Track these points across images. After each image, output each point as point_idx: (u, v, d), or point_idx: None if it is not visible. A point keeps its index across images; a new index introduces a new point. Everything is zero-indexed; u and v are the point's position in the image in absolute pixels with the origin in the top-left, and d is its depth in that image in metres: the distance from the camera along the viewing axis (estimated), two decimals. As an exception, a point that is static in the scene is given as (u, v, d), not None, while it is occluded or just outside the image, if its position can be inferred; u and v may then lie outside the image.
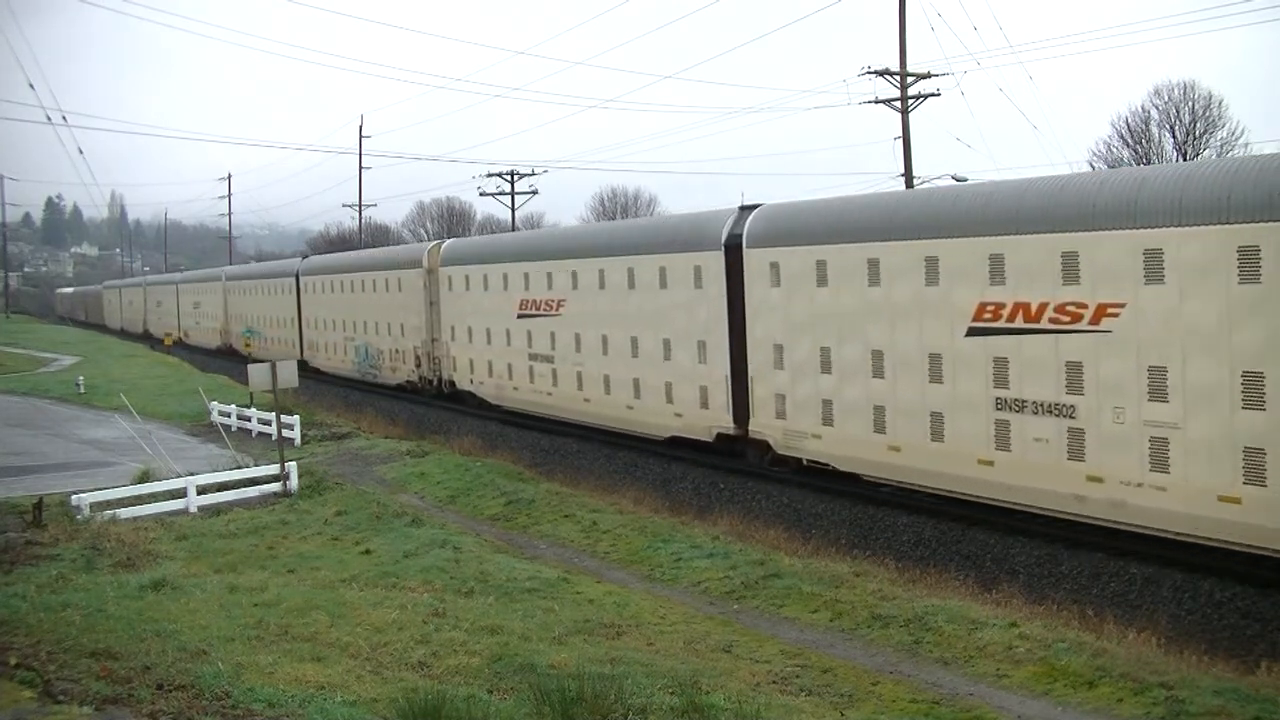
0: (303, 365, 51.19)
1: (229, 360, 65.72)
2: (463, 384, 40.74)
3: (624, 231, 35.08)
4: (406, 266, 45.28)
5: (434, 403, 42.83)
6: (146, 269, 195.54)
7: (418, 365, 44.24)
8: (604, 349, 31.55)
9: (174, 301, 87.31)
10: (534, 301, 35.23)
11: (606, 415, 31.63)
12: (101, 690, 10.99)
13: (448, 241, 44.67)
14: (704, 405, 27.60)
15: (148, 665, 12.05)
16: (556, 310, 33.80)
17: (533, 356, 35.28)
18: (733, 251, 26.37)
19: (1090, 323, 18.37)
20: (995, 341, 20.03)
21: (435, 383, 42.96)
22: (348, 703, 11.07)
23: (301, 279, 58.04)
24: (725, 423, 26.93)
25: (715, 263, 26.91)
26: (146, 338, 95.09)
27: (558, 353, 33.87)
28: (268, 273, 67.07)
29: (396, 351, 46.19)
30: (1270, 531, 16.25)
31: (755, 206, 26.72)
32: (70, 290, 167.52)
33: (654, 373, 29.38)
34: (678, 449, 29.06)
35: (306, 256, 66.18)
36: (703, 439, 27.83)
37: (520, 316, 36.06)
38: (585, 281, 32.26)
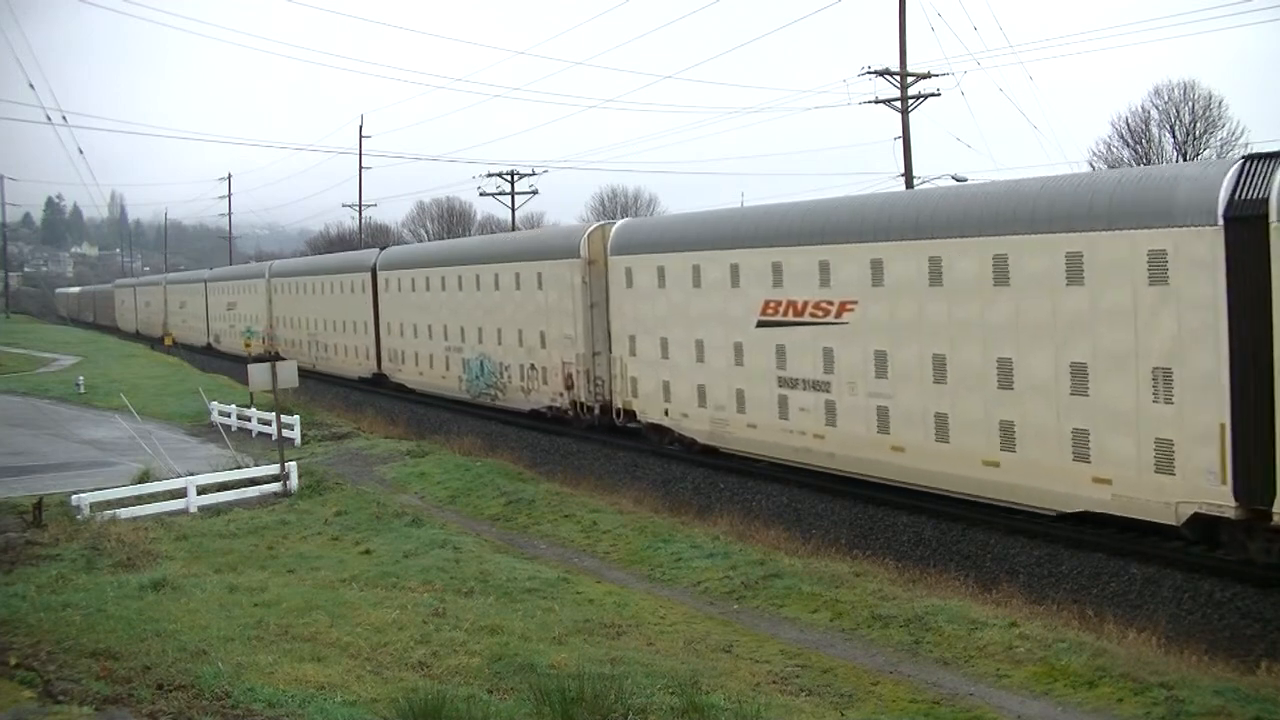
0: (378, 380, 48.33)
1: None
2: (650, 415, 30.23)
3: (983, 199, 21.38)
4: (554, 256, 34.49)
5: (578, 433, 33.61)
6: (146, 269, 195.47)
7: (568, 387, 33.68)
8: (933, 374, 21.47)
9: (201, 301, 78.43)
10: (791, 304, 24.97)
11: (939, 473, 21.58)
12: (101, 690, 11.00)
13: (620, 222, 33.72)
14: (1160, 467, 17.75)
15: (148, 665, 12.07)
16: (838, 315, 23.69)
17: (786, 382, 25.22)
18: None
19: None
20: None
21: (596, 410, 32.54)
22: (348, 703, 11.08)
23: (380, 274, 47.92)
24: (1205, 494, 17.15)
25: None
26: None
27: (838, 376, 23.86)
28: (333, 267, 55.45)
29: (533, 368, 35.75)
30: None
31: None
32: (76, 290, 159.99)
33: (1042, 410, 19.56)
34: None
35: (385, 247, 54.50)
36: (1162, 521, 17.99)
37: (764, 325, 25.78)
38: (899, 273, 22.06)
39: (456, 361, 41.09)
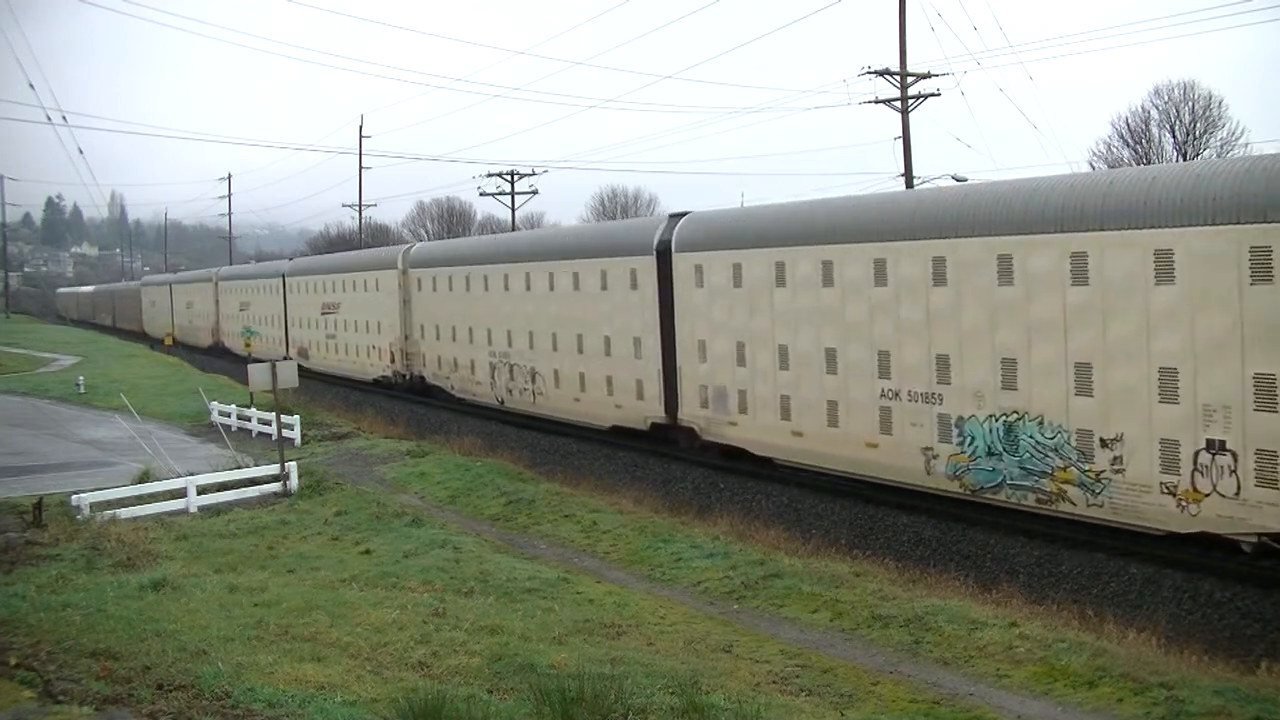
0: (426, 391, 43.15)
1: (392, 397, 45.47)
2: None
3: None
4: (629, 252, 30.49)
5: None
6: (146, 269, 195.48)
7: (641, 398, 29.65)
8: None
9: (275, 301, 61.73)
10: None
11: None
12: (101, 690, 11.00)
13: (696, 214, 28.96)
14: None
15: (148, 665, 12.07)
16: None
17: None
18: None
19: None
20: None
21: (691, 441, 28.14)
22: (348, 703, 11.08)
23: (412, 273, 44.24)
24: None
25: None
26: (222, 354, 70.01)
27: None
28: (365, 263, 49.67)
29: (610, 380, 31.07)
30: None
31: None
32: (90, 289, 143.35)
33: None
34: None
35: (413, 245, 50.38)
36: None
37: None
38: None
39: (495, 366, 37.63)
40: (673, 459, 28.85)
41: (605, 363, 31.33)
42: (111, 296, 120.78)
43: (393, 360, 46.07)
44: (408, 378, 45.05)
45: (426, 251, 45.73)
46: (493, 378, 37.71)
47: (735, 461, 26.75)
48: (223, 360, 67.78)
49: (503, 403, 37.11)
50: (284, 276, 61.28)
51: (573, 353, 32.87)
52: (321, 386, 50.48)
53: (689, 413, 28.14)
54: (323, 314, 54.29)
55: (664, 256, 28.65)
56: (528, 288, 35.18)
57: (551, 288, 33.94)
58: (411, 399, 43.91)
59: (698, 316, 27.50)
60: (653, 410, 29.42)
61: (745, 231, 26.68)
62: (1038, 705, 12.47)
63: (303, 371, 50.31)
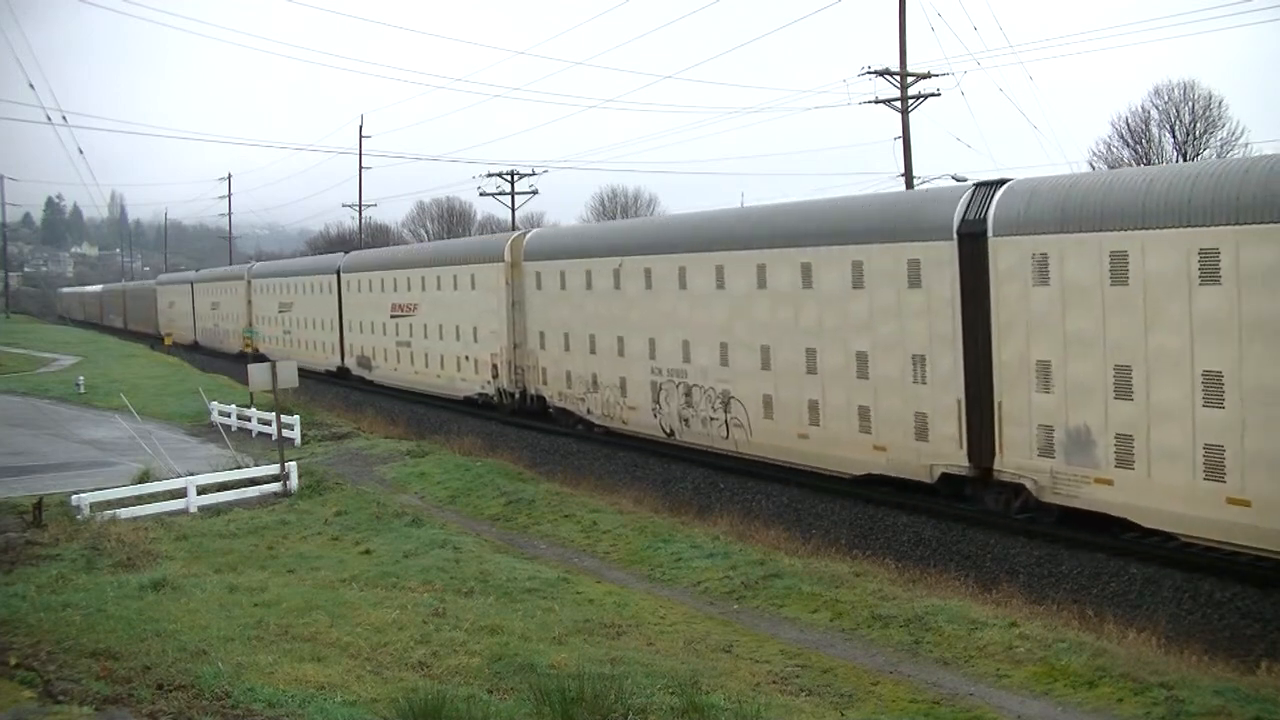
0: (543, 414, 35.21)
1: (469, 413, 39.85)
2: None
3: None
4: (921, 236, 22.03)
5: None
6: (146, 269, 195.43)
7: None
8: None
9: (325, 302, 53.56)
10: None
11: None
12: (101, 690, 11.00)
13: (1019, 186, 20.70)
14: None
15: (148, 665, 12.07)
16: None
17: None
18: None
19: None
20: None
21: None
22: (348, 703, 11.08)
23: (528, 265, 35.91)
24: None
25: None
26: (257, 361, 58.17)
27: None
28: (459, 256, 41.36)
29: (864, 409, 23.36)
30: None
31: None
32: (98, 288, 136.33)
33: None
34: None
35: (526, 231, 41.42)
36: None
37: None
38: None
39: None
40: (672, 459, 28.81)
41: (856, 387, 23.11)
42: (123, 296, 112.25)
43: (495, 375, 37.57)
44: (517, 396, 36.63)
45: (549, 240, 36.61)
46: (656, 402, 29.21)
47: (1090, 532, 19.31)
48: (223, 360, 66.27)
49: (672, 434, 28.98)
50: (339, 273, 51.86)
51: (796, 373, 24.55)
52: (322, 386, 50.21)
53: (1016, 462, 20.11)
54: (393, 317, 45.67)
55: (970, 242, 20.73)
56: (719, 284, 26.82)
57: (761, 284, 25.52)
58: (519, 422, 35.76)
59: (1038, 327, 19.47)
60: (944, 455, 21.45)
61: (1133, 205, 18.07)
62: (1038, 705, 12.47)
63: (365, 385, 48.29)
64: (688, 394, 28.17)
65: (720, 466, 27.45)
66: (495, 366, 37.60)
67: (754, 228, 26.59)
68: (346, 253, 56.65)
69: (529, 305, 35.98)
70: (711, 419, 27.40)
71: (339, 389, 50.19)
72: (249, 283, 66.61)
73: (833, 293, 23.74)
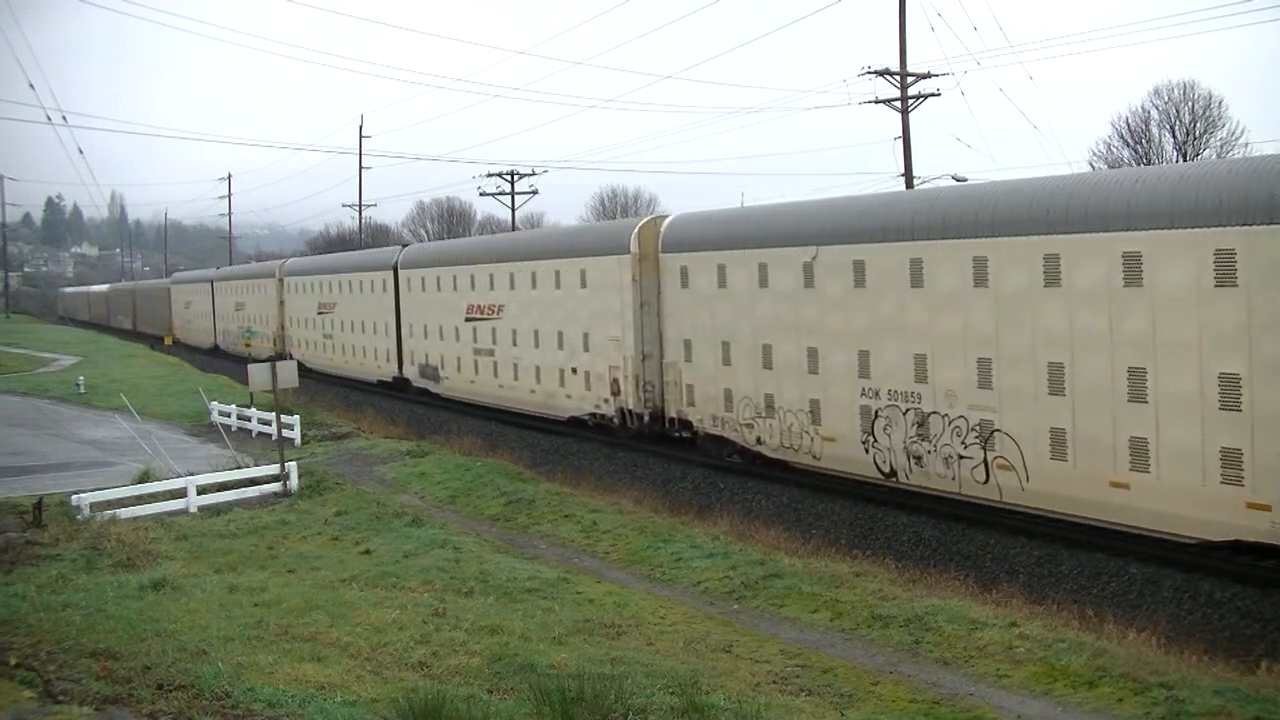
0: (689, 440, 29.05)
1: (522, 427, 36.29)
2: None
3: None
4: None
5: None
6: (146, 269, 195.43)
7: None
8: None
9: (378, 304, 47.21)
10: None
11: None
12: (101, 690, 11.00)
13: None
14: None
15: (148, 665, 12.07)
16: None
17: None
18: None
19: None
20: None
21: None
22: (348, 703, 11.08)
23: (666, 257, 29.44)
24: None
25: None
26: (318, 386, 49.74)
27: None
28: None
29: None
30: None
31: None
32: (104, 288, 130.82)
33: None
34: None
35: (661, 215, 32.64)
36: None
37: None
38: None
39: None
40: (673, 459, 28.83)
41: (1218, 421, 16.87)
42: (132, 296, 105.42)
43: (615, 392, 30.90)
44: (645, 419, 30.21)
45: (699, 227, 29.07)
46: (869, 432, 23.02)
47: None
48: (223, 360, 65.61)
49: (894, 474, 22.62)
50: (396, 268, 45.39)
51: (1108, 399, 18.48)
52: (321, 386, 49.85)
53: None
54: (469, 320, 39.18)
55: None
56: (979, 281, 20.62)
57: (1051, 280, 19.34)
58: (643, 446, 30.06)
59: None
60: None
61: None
62: (1038, 705, 12.47)
63: (429, 398, 42.25)
64: (921, 423, 21.66)
65: (720, 466, 27.39)
66: (616, 382, 30.51)
67: (1038, 204, 19.70)
68: (405, 245, 50.55)
69: (668, 307, 29.36)
70: (961, 457, 20.87)
71: (338, 390, 49.81)
72: (281, 281, 60.01)
73: (1177, 291, 17.39)
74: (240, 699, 10.97)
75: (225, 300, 71.44)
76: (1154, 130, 54.55)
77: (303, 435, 34.77)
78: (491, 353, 37.89)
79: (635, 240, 30.10)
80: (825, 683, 13.22)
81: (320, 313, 54.10)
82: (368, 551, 19.84)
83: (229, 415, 37.72)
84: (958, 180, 38.71)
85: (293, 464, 26.49)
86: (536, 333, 34.89)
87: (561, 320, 33.44)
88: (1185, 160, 49.41)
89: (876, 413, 22.89)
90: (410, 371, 44.43)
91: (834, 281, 23.82)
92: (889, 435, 22.65)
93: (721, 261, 27.29)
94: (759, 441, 26.20)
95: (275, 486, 25.62)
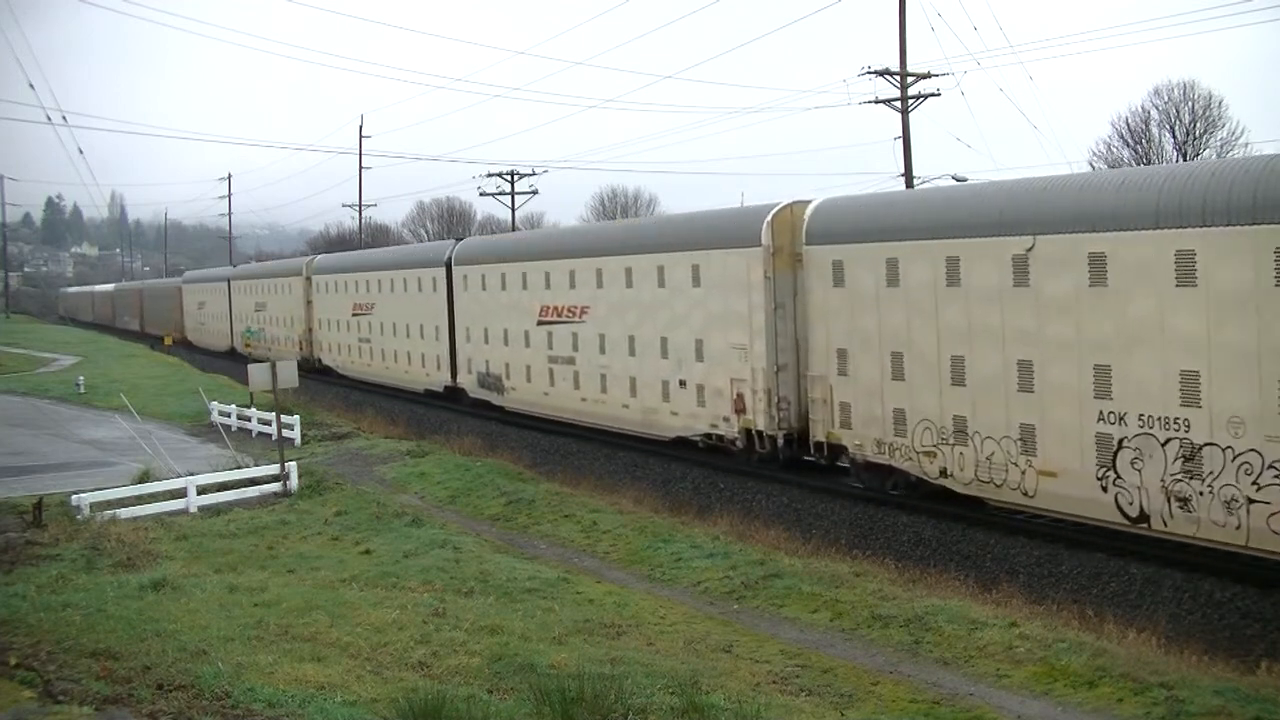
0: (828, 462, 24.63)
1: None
2: None
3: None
4: None
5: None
6: (146, 269, 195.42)
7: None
8: (628, 349, 31.01)
9: (428, 304, 42.01)
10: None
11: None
12: (101, 690, 11.01)
13: None
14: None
15: (148, 665, 12.08)
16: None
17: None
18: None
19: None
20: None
21: None
22: (348, 703, 11.08)
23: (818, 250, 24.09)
24: None
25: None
26: (320, 371, 52.18)
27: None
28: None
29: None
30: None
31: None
32: (109, 287, 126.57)
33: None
34: None
35: (801, 202, 25.56)
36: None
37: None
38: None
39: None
40: (673, 459, 28.81)
41: None
42: (139, 296, 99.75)
43: (739, 409, 25.73)
44: (780, 442, 25.14)
45: (858, 212, 23.85)
46: (1110, 466, 18.25)
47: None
48: (224, 360, 64.99)
49: (1145, 518, 17.84)
50: (450, 265, 40.15)
51: None
52: (321, 386, 49.82)
53: None
54: (541, 324, 34.05)
55: None
56: None
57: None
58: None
59: None
60: None
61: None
62: (1038, 705, 12.47)
63: (489, 410, 36.80)
64: (1188, 457, 17.12)
65: (720, 466, 27.35)
66: (740, 398, 25.63)
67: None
68: (459, 238, 45.09)
69: (814, 310, 24.23)
70: (1252, 501, 16.29)
71: (339, 389, 49.76)
72: (309, 279, 54.99)
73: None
74: (240, 699, 10.98)
75: (244, 300, 66.30)
76: (1154, 130, 54.60)
77: (303, 435, 34.78)
78: (571, 361, 32.59)
79: (768, 231, 25.02)
80: (825, 683, 13.23)
81: (356, 314, 49.26)
82: (368, 551, 19.85)
83: (229, 415, 37.72)
84: (958, 180, 38.55)
85: (293, 464, 26.50)
86: (632, 339, 29.87)
87: (666, 324, 28.46)
88: (1186, 159, 49.40)
89: (1121, 443, 18.09)
90: (466, 380, 39.40)
91: (1058, 279, 19.04)
92: (1141, 471, 17.89)
93: (892, 255, 22.16)
94: (944, 473, 21.35)
95: (275, 486, 25.63)
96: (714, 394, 26.82)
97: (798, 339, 25.00)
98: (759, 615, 16.47)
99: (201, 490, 24.45)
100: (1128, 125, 55.29)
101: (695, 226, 28.64)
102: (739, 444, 26.14)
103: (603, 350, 31.19)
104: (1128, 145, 54.86)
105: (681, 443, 28.50)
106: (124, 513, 22.59)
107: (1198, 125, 53.72)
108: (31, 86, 49.18)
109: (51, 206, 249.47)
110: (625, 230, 36.21)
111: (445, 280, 40.48)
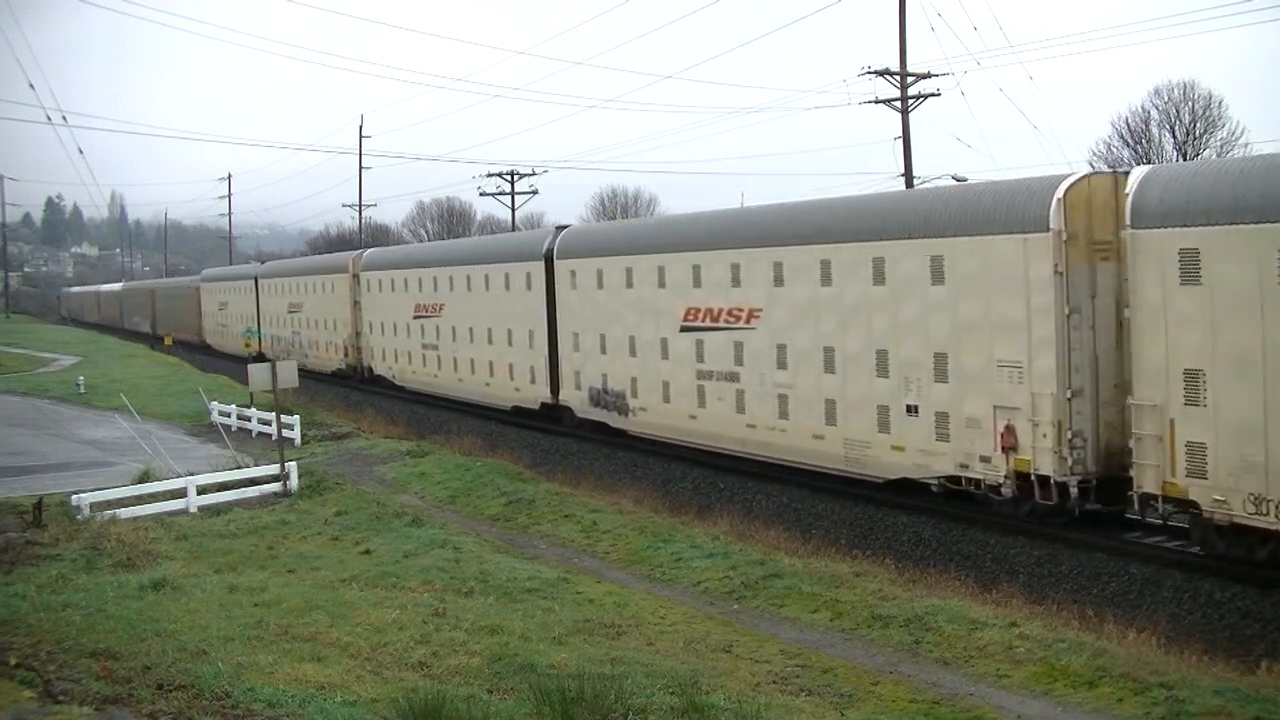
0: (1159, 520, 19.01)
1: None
2: None
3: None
4: None
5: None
6: (147, 269, 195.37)
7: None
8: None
9: (525, 303, 35.19)
10: None
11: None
12: (101, 690, 11.01)
13: None
14: None
15: (148, 665, 12.08)
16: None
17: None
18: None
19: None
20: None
21: None
22: (348, 703, 11.09)
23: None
24: None
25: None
26: (370, 380, 47.88)
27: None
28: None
29: None
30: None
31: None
32: (117, 287, 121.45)
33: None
34: None
35: (1101, 173, 20.36)
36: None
37: None
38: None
39: None
40: (672, 459, 28.83)
41: None
42: (151, 296, 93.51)
43: (1008, 445, 19.64)
44: (1074, 491, 18.93)
45: (1221, 183, 16.49)
46: None
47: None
48: (224, 360, 64.22)
49: None
50: (550, 259, 33.79)
51: None
52: (321, 386, 49.79)
53: None
54: (685, 330, 27.87)
55: None
56: None
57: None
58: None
59: None
60: None
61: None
62: (1038, 705, 12.47)
63: (606, 433, 30.79)
64: None
65: (720, 466, 27.35)
66: (1010, 431, 19.63)
67: None
68: (561, 227, 35.67)
69: (1142, 315, 17.62)
70: None
71: (339, 389, 49.65)
72: (356, 277, 48.50)
73: None
74: (240, 699, 10.98)
75: (274, 301, 58.92)
76: (1154, 130, 54.57)
77: (303, 435, 34.77)
78: (733, 377, 26.37)
79: (1058, 211, 18.84)
80: (825, 683, 13.23)
81: (419, 316, 42.55)
82: (368, 551, 19.85)
83: (229, 415, 37.71)
84: (957, 180, 38.51)
85: (293, 464, 26.49)
86: (829, 351, 23.55)
87: (886, 333, 22.12)
88: (1186, 159, 49.37)
89: None
90: (573, 397, 32.92)
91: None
92: None
93: None
94: None
95: (275, 486, 25.62)
96: (964, 425, 20.58)
97: (1096, 355, 19.02)
98: (759, 615, 16.48)
99: (201, 490, 24.45)
100: (1128, 125, 55.30)
101: (935, 206, 21.68)
102: (1007, 491, 19.89)
103: (781, 365, 24.83)
104: (1128, 145, 54.86)
105: (904, 484, 22.20)
106: (124, 513, 22.59)
107: (1198, 125, 53.70)
108: (31, 86, 49.08)
109: (51, 206, 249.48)
110: (807, 211, 25.72)
111: (545, 276, 33.91)
